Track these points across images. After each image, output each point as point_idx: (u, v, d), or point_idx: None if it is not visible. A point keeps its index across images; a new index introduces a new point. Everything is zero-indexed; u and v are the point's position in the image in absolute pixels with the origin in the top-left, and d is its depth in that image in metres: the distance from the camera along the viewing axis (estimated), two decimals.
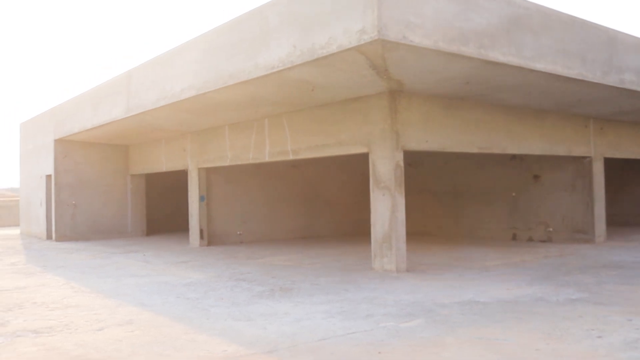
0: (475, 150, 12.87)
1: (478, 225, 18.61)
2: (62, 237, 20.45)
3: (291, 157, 13.68)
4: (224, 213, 18.19)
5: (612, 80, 11.94)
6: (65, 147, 20.84)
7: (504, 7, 9.80)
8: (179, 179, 21.43)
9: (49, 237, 21.47)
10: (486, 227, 18.32)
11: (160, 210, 24.03)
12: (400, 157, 11.16)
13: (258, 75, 10.25)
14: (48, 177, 21.58)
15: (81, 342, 6.39)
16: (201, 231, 17.56)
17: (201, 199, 17.59)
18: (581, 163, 16.05)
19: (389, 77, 10.22)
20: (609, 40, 11.99)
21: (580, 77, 11.15)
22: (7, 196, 58.21)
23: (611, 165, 19.10)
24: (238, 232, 18.42)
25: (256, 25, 10.31)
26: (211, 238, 17.76)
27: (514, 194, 17.51)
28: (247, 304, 8.34)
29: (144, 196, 22.52)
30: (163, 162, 19.62)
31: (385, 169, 11.14)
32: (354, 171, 20.55)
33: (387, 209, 11.13)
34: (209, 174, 17.81)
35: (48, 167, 21.38)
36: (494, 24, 9.58)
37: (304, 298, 8.72)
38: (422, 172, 19.83)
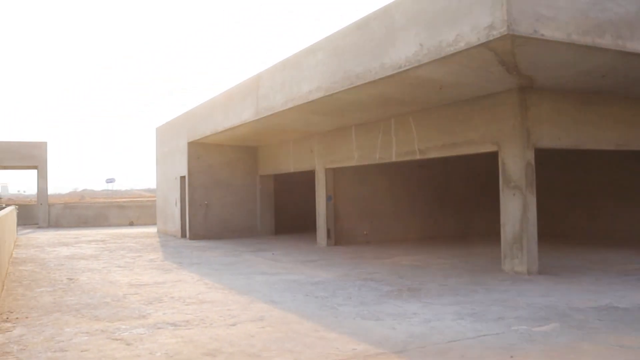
0: (612, 147, 12.23)
1: (615, 227, 17.66)
2: (195, 236, 21.36)
3: (418, 156, 13.57)
4: (351, 213, 18.31)
5: None
6: (198, 149, 21.77)
7: None
8: (306, 179, 21.80)
9: (183, 235, 22.49)
10: (625, 229, 17.34)
11: (288, 210, 24.52)
12: (531, 155, 10.81)
13: (385, 75, 10.24)
14: (182, 178, 22.61)
15: (216, 336, 6.65)
16: (328, 231, 17.77)
17: (328, 198, 17.80)
18: None
19: (518, 73, 9.92)
20: None
21: None
22: (145, 196, 61.53)
23: None
24: (364, 232, 18.48)
25: (382, 25, 10.31)
26: (338, 237, 17.93)
27: None
28: (376, 304, 8.36)
29: (272, 196, 23.10)
30: (291, 162, 20.03)
31: (516, 167, 10.83)
32: (482, 170, 20.09)
33: (517, 209, 10.81)
34: (336, 174, 17.98)
35: (182, 168, 22.41)
36: (633, 12, 9.06)
37: (433, 299, 8.63)
38: (553, 170, 19.07)
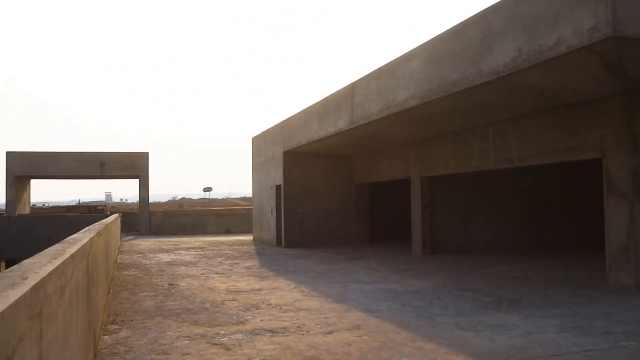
0: None
1: None
2: (290, 244, 21.61)
3: (517, 164, 13.23)
4: (447, 222, 18.06)
5: None
6: (293, 158, 22.05)
7: None
8: (401, 187, 21.66)
9: (278, 243, 22.80)
10: None
11: (382, 219, 24.42)
12: (638, 162, 10.32)
13: (482, 82, 10.05)
14: (278, 186, 22.94)
15: (313, 344, 6.68)
16: (424, 240, 17.58)
17: (423, 207, 17.62)
18: None
19: (624, 76, 9.51)
20: None
21: None
22: (241, 205, 62.79)
23: None
24: (461, 241, 18.17)
25: (478, 31, 10.13)
26: (434, 246, 17.71)
27: None
28: (473, 314, 8.19)
29: (367, 204, 23.09)
30: (385, 171, 19.97)
31: (622, 175, 10.37)
32: (585, 178, 19.37)
33: (623, 218, 10.34)
34: (432, 183, 17.79)
35: (278, 177, 22.75)
36: None
37: (533, 310, 8.37)
38: None
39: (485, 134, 14.29)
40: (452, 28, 10.98)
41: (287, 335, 7.16)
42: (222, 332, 7.43)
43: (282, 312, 8.76)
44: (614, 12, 7.56)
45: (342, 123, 16.15)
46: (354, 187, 22.83)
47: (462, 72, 10.52)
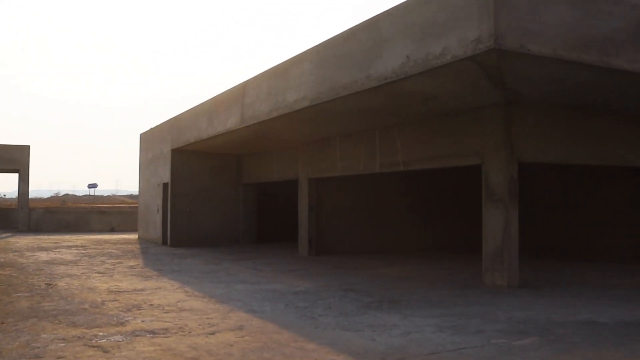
0: (596, 162, 12.31)
1: (597, 242, 17.73)
2: (176, 243, 21.21)
3: (402, 168, 13.58)
4: (333, 223, 18.28)
5: None
6: (181, 156, 21.67)
7: (629, 11, 9.31)
8: (290, 188, 21.74)
9: (164, 242, 22.32)
10: (607, 244, 17.43)
11: (271, 219, 24.43)
12: (514, 169, 10.84)
13: (370, 87, 10.23)
14: (165, 184, 22.48)
15: (194, 345, 6.57)
16: (310, 240, 17.71)
17: (311, 208, 17.75)
18: None
19: (504, 87, 9.96)
20: None
21: None
22: (127, 203, 61.09)
23: None
24: (347, 242, 18.44)
25: (369, 37, 10.31)
26: (320, 247, 17.88)
27: None
28: (356, 315, 8.32)
29: (255, 205, 23.04)
30: (274, 171, 19.99)
31: (499, 181, 10.85)
32: (465, 183, 20.15)
33: (499, 222, 10.83)
34: (320, 184, 17.96)
35: (165, 175, 22.28)
36: (618, 29, 9.13)
37: (413, 311, 8.60)
38: (536, 184, 19.14)
39: (372, 137, 14.57)
40: (344, 32, 11.12)
41: (168, 337, 7.00)
42: (101, 333, 7.17)
43: (165, 312, 8.57)
44: (496, 26, 7.90)
45: (232, 122, 16.02)
46: (242, 187, 22.71)
47: (352, 76, 10.68)
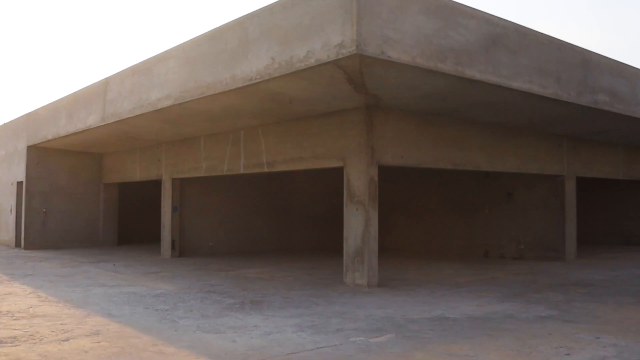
0: (450, 166, 12.94)
1: (451, 242, 18.68)
2: (31, 245, 20.13)
3: (266, 169, 13.65)
4: (197, 224, 18.08)
5: (586, 100, 12.08)
6: (38, 154, 20.59)
7: (482, 25, 9.89)
8: (153, 189, 21.26)
9: (17, 244, 21.12)
10: (458, 244, 18.40)
11: (133, 220, 23.79)
12: (374, 172, 11.18)
13: (236, 87, 10.22)
14: (19, 183, 21.27)
15: (45, 353, 6.27)
16: (173, 242, 17.41)
17: (174, 209, 17.46)
18: (554, 182, 16.21)
19: (366, 92, 10.25)
20: (584, 61, 12.15)
21: (555, 97, 11.28)
22: None
23: (583, 184, 19.30)
24: (210, 244, 18.29)
25: (235, 37, 10.28)
26: (183, 249, 17.62)
27: (487, 211, 17.63)
28: (217, 317, 8.27)
29: (116, 205, 22.29)
30: (137, 171, 19.46)
31: (360, 183, 11.15)
32: (329, 185, 20.54)
33: (360, 223, 11.12)
34: (183, 185, 17.70)
35: (20, 173, 21.09)
36: (472, 42, 9.67)
37: (275, 311, 8.66)
38: (396, 187, 19.86)
39: (237, 138, 14.53)
40: (210, 31, 11.03)
41: (16, 345, 6.62)
42: None
43: (14, 319, 8.10)
44: (359, 32, 8.12)
45: (92, 119, 15.45)
46: (103, 187, 21.92)
47: (217, 76, 10.61)
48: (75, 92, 17.01)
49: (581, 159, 16.89)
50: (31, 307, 9.00)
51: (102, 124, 14.91)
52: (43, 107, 19.64)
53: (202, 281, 12.02)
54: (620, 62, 13.31)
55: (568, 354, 6.21)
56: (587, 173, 17.16)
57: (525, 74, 10.62)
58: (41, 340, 6.87)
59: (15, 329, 7.44)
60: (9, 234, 22.09)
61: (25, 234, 20.26)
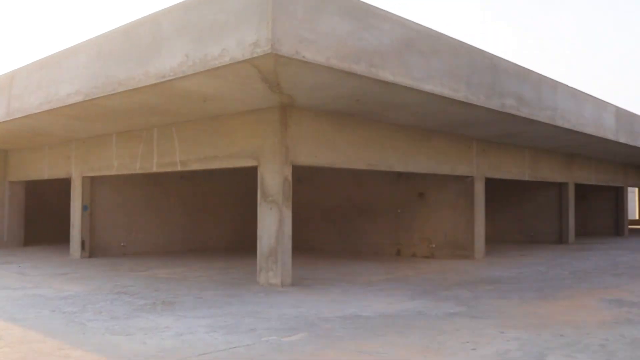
0: (363, 166, 13.12)
1: (364, 241, 18.96)
2: None
3: (179, 168, 13.46)
4: (108, 224, 17.64)
5: (494, 104, 12.51)
6: None
7: (396, 28, 10.07)
8: (63, 187, 20.58)
9: None
10: (372, 243, 18.69)
11: (41, 220, 22.98)
12: (288, 171, 11.20)
13: (148, 84, 10.01)
14: None
15: None
16: (83, 242, 16.92)
17: (84, 208, 16.97)
18: (464, 182, 16.69)
19: (280, 92, 10.25)
20: (492, 66, 12.57)
21: (465, 100, 11.62)
22: None
23: (492, 185, 19.98)
24: (122, 244, 17.88)
25: (149, 33, 10.08)
26: (93, 249, 17.15)
27: (399, 211, 17.99)
28: (127, 318, 8.09)
29: (23, 204, 21.42)
30: (45, 169, 18.81)
31: (274, 183, 11.15)
32: (243, 184, 20.45)
33: (274, 223, 11.13)
34: (94, 183, 17.23)
35: None
36: (386, 44, 9.83)
37: (187, 312, 8.56)
38: (310, 187, 19.99)
39: (150, 136, 14.27)
40: (124, 26, 10.76)
41: None
42: None
43: None
44: (274, 32, 8.11)
45: None
46: (8, 185, 21.04)
47: (130, 72, 10.38)
48: None
49: (490, 160, 17.47)
50: None
51: (7, 119, 14.32)
52: None
53: (112, 282, 11.74)
54: (527, 68, 13.86)
55: (474, 349, 6.41)
56: (495, 174, 17.77)
57: (437, 77, 10.89)
58: None
59: None
60: None
61: None
